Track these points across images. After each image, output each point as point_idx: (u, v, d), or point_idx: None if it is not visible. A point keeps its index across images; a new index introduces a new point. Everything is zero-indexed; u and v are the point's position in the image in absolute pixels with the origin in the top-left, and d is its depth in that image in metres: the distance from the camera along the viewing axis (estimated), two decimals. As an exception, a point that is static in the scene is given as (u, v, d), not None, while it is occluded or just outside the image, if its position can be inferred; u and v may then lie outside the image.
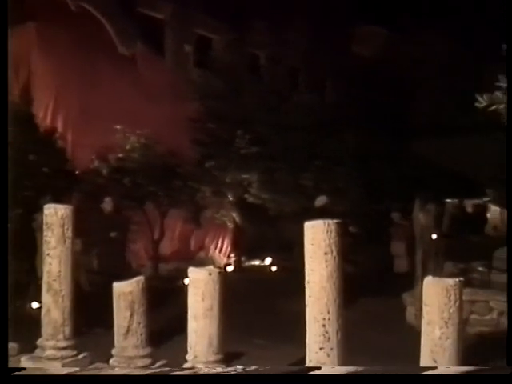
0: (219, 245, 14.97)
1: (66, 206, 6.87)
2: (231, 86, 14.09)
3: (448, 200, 14.95)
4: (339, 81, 17.00)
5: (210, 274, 6.23)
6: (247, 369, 5.16)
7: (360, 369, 4.98)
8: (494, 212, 17.93)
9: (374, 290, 11.17)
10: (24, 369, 5.08)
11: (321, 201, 12.14)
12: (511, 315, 4.21)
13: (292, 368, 5.40)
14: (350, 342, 5.77)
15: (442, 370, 4.90)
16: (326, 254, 5.42)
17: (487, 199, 16.70)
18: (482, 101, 3.82)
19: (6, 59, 5.17)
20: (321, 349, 5.56)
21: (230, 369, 5.37)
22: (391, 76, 17.45)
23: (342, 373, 4.91)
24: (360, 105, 15.67)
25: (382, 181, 14.43)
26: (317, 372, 4.74)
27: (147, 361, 6.44)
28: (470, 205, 17.51)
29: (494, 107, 3.82)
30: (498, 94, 3.82)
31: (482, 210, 17.61)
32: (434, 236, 10.30)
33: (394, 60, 17.59)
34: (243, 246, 14.71)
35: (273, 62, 16.35)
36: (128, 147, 12.38)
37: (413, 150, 16.69)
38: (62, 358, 6.47)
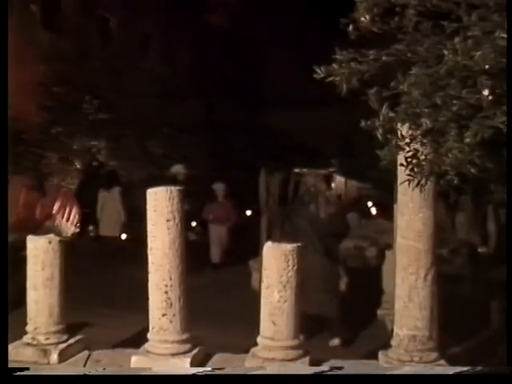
0: (66, 213, 14.52)
1: None
2: (79, 49, 13.63)
3: (295, 170, 15.38)
4: (191, 49, 16.91)
5: (49, 243, 6.05)
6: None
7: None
8: (339, 182, 18.71)
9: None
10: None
11: (177, 169, 12.11)
12: (511, 315, 4.40)
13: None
14: (194, 307, 5.85)
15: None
16: (168, 220, 5.44)
17: (332, 169, 17.36)
18: (320, 72, 3.91)
19: (6, 59, 4.80)
20: (163, 315, 5.60)
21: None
22: (242, 47, 17.59)
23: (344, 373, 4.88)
24: (211, 74, 15.71)
25: (231, 150, 14.62)
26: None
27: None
28: (316, 174, 18.11)
29: (330, 79, 3.92)
30: (335, 66, 3.93)
31: (327, 179, 18.31)
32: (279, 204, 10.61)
33: (245, 31, 17.72)
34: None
35: (123, 26, 15.95)
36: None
37: (262, 121, 16.99)
38: None
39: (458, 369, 4.72)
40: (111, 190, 12.05)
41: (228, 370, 5.05)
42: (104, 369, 5.43)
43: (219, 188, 11.98)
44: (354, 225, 12.12)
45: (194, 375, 4.65)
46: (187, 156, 12.60)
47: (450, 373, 4.50)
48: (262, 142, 15.63)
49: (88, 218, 13.67)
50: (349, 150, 14.34)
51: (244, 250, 10.94)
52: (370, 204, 14.20)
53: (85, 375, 4.70)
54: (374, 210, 13.54)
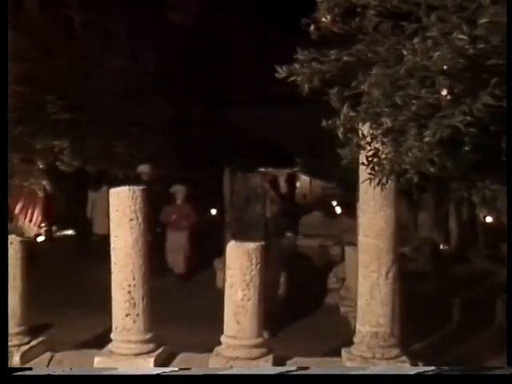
0: (29, 214, 14.35)
1: None
2: (43, 48, 13.44)
3: (261, 169, 15.42)
4: (156, 48, 16.82)
5: (11, 243, 5.98)
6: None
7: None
8: (304, 181, 18.81)
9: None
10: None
11: (143, 168, 11.97)
12: (511, 315, 4.41)
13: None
14: (157, 308, 5.84)
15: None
16: (131, 220, 5.42)
17: (297, 168, 17.45)
18: (281, 72, 3.93)
19: (6, 59, 4.71)
20: (127, 315, 5.58)
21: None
22: (207, 45, 17.57)
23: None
24: (176, 73, 15.63)
25: (197, 149, 14.58)
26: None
27: None
28: (281, 173, 18.19)
29: (292, 78, 3.95)
30: (297, 65, 3.96)
31: (292, 178, 18.38)
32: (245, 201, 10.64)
33: (209, 29, 17.71)
34: (55, 216, 14.23)
35: (88, 25, 15.80)
36: None
37: (228, 120, 16.98)
38: None
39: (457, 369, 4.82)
40: (100, 190, 11.80)
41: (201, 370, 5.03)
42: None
43: (179, 190, 11.19)
44: (319, 224, 12.22)
45: (158, 375, 4.64)
46: (152, 156, 12.52)
47: (451, 373, 4.51)
48: (227, 141, 15.61)
49: (76, 217, 13.54)
50: (313, 150, 14.39)
51: (209, 249, 10.94)
52: (334, 203, 14.30)
53: (85, 375, 4.66)
54: (338, 209, 13.64)
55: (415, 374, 4.45)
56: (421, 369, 5.01)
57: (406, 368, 5.16)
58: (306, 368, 5.05)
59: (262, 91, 16.79)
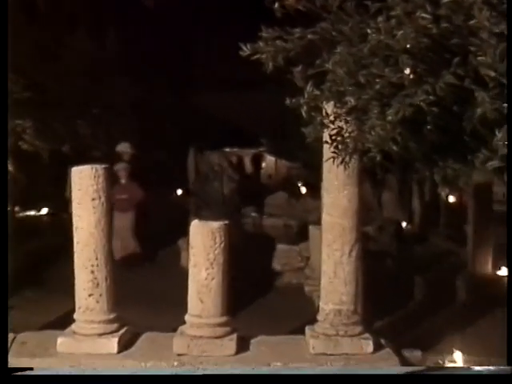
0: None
1: None
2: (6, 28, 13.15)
3: (226, 149, 15.38)
4: (120, 29, 16.59)
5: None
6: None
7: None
8: (270, 161, 18.82)
9: (152, 237, 11.26)
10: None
11: (122, 147, 11.64)
12: (511, 315, 4.41)
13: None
14: (120, 288, 5.80)
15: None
16: (93, 199, 5.36)
17: (262, 149, 17.45)
18: (245, 50, 3.90)
19: (6, 58, 4.54)
20: (90, 295, 5.53)
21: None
22: (173, 27, 17.38)
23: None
24: (141, 55, 15.44)
25: (161, 130, 14.47)
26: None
27: None
28: (247, 154, 18.19)
29: (256, 56, 3.92)
30: (261, 43, 3.93)
31: (258, 159, 18.39)
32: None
33: (174, 10, 17.51)
34: (17, 196, 14.02)
35: (51, 4, 15.49)
36: None
37: (193, 102, 16.89)
38: None
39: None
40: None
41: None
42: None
43: (121, 168, 10.44)
44: (284, 204, 12.27)
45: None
46: (116, 137, 12.38)
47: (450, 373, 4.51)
48: (192, 123, 15.53)
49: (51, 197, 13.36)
50: (279, 131, 14.41)
51: (174, 229, 10.91)
52: (299, 183, 14.36)
53: (85, 375, 4.61)
54: (303, 189, 13.70)
55: (415, 374, 4.43)
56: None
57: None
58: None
59: (228, 74, 16.70)
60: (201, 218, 5.65)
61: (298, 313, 6.88)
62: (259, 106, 15.14)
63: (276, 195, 12.79)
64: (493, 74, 3.05)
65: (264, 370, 5.00)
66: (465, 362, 5.94)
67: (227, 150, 15.28)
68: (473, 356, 6.14)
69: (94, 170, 5.34)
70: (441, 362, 5.99)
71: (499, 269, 9.09)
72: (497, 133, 3.13)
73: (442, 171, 3.81)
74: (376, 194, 12.80)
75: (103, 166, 5.44)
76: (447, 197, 12.46)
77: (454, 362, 5.96)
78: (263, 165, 18.61)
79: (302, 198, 12.92)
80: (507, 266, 4.63)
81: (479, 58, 3.09)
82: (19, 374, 4.14)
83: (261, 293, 8.82)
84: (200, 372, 4.80)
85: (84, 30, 16.03)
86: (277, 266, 9.63)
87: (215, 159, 11.36)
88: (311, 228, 8.94)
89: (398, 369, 5.09)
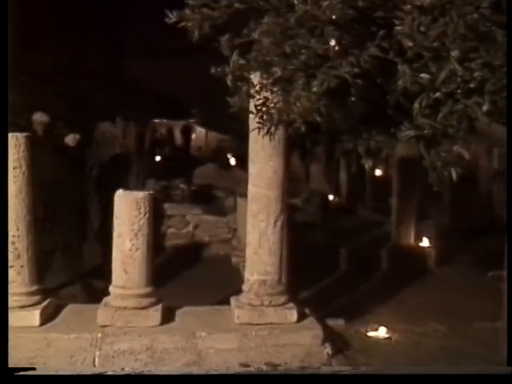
0: None
1: None
2: None
3: (155, 120, 15.21)
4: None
5: None
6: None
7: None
8: (200, 133, 18.72)
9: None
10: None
11: (39, 117, 11.32)
12: (511, 314, 4.38)
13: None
14: (39, 260, 5.67)
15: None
16: (14, 168, 5.20)
17: (193, 120, 17.35)
18: (171, 17, 3.83)
19: (6, 59, 4.19)
20: (11, 267, 5.39)
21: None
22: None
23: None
24: (69, 22, 15.01)
25: (90, 98, 14.16)
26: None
27: None
28: (177, 125, 18.03)
29: (182, 24, 3.85)
30: (187, 11, 3.86)
31: (188, 130, 18.27)
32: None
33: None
34: None
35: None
36: None
37: (122, 70, 16.58)
38: None
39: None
40: None
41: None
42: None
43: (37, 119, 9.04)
44: (213, 175, 12.25)
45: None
46: (46, 105, 12.03)
47: (450, 373, 4.51)
48: (121, 92, 15.26)
49: None
50: (209, 102, 14.33)
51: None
52: (229, 155, 14.37)
53: (86, 375, 4.48)
54: (232, 161, 13.71)
55: (416, 374, 4.40)
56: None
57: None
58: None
59: (158, 42, 16.46)
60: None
61: (225, 283, 6.89)
62: (189, 75, 15.02)
63: (206, 167, 12.77)
64: (410, 43, 3.09)
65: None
66: (387, 331, 6.08)
67: (156, 120, 15.11)
68: (395, 325, 6.29)
69: (14, 138, 5.17)
70: (363, 330, 6.11)
71: (421, 240, 9.36)
72: (416, 104, 3.17)
73: (365, 143, 3.85)
74: (304, 166, 12.92)
75: (24, 134, 5.27)
76: (373, 169, 12.70)
77: (377, 330, 6.09)
78: (193, 136, 18.52)
79: (231, 170, 12.94)
80: (507, 266, 4.72)
81: (398, 28, 3.12)
82: (20, 373, 4.06)
83: (188, 264, 8.81)
84: (200, 372, 4.76)
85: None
86: (205, 237, 9.64)
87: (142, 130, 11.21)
88: (238, 199, 8.96)
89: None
